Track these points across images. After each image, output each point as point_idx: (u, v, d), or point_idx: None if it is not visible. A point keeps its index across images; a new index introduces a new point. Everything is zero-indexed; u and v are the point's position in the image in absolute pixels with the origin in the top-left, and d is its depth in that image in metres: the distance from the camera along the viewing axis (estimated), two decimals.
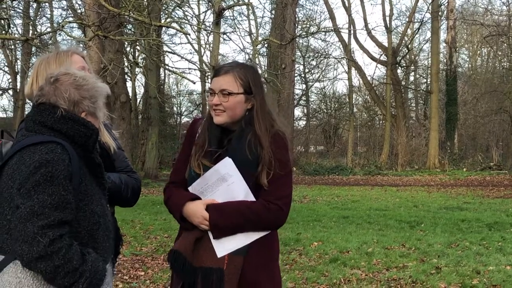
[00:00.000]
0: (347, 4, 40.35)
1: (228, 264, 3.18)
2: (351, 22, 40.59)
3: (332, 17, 40.22)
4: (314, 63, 49.04)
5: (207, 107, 3.47)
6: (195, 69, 32.55)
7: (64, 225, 2.62)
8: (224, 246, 3.20)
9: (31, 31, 21.79)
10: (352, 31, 40.08)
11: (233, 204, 3.23)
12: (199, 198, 3.28)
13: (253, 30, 37.95)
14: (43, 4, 25.28)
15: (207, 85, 3.09)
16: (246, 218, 3.20)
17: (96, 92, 2.91)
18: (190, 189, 3.30)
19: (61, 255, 2.56)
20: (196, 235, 3.24)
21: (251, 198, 3.25)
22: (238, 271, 3.19)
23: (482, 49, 46.57)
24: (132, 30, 23.34)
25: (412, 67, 46.02)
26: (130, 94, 33.12)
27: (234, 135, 3.30)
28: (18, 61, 33.75)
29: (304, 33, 35.89)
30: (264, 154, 3.25)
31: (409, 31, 42.04)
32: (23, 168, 2.63)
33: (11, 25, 12.84)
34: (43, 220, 2.55)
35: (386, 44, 39.85)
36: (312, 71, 49.73)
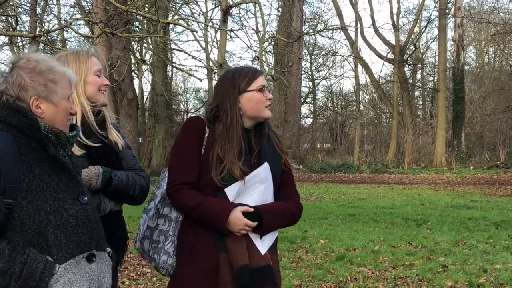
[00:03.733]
0: (354, 2, 40.31)
1: (271, 260, 3.35)
2: (358, 19, 40.56)
3: (339, 15, 40.20)
4: (321, 60, 49.06)
5: (250, 106, 3.44)
6: (202, 67, 32.56)
7: None
8: (264, 244, 3.35)
9: (38, 29, 21.82)
10: (359, 29, 40.07)
11: (277, 206, 3.43)
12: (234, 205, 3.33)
13: (260, 28, 37.96)
14: (50, 1, 25.34)
15: (251, 83, 3.04)
16: (287, 219, 3.49)
17: (50, 75, 2.74)
18: (227, 190, 3.31)
19: None
20: (244, 241, 3.30)
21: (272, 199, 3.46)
22: (278, 266, 3.44)
23: (489, 47, 46.44)
24: (139, 27, 23.38)
25: (419, 65, 45.95)
26: (137, 91, 33.18)
27: (263, 138, 3.46)
28: None
29: (311, 31, 35.88)
30: (285, 150, 3.58)
31: (416, 29, 41.98)
32: None
33: (19, 22, 12.86)
34: None
35: (393, 42, 39.78)
36: (319, 68, 49.74)
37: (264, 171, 3.35)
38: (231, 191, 3.30)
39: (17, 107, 2.68)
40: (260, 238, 3.34)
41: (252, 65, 20.79)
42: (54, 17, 28.89)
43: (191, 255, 3.32)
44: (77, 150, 3.21)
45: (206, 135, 3.39)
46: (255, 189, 3.34)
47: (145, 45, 29.08)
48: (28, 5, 21.61)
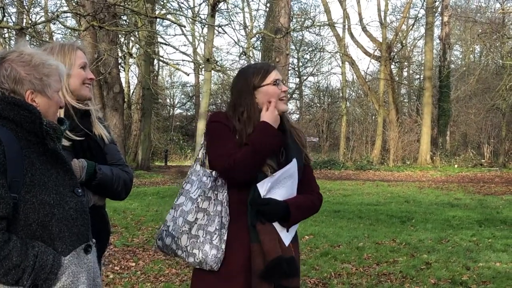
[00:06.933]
0: None
1: (294, 251, 3.44)
2: (346, 16, 40.61)
3: (327, 11, 40.21)
4: (308, 57, 49.11)
5: (262, 101, 3.49)
6: (189, 61, 32.52)
7: None
8: (288, 235, 3.44)
9: (25, 20, 21.69)
10: (346, 26, 40.13)
11: (303, 199, 3.52)
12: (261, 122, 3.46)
13: (248, 23, 37.96)
14: None
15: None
16: (310, 210, 3.61)
17: (45, 69, 2.75)
18: (259, 185, 3.36)
19: None
20: (276, 233, 3.39)
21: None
22: (299, 254, 3.55)
23: (476, 46, 46.66)
24: (126, 20, 23.31)
25: (405, 63, 46.09)
26: (124, 84, 33.07)
27: (286, 134, 3.52)
28: None
29: (298, 27, 35.91)
30: (305, 144, 3.70)
31: (403, 27, 42.11)
32: None
33: (5, 14, 12.78)
34: None
35: (380, 40, 39.89)
36: (306, 65, 49.80)
37: (292, 167, 3.43)
38: (263, 186, 3.37)
39: (16, 101, 2.67)
40: (287, 231, 3.43)
41: (239, 60, 20.76)
42: (41, 9, 28.74)
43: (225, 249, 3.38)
44: (64, 141, 3.21)
45: (236, 127, 3.46)
46: (284, 184, 3.42)
47: (132, 38, 28.98)
48: None
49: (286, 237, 3.41)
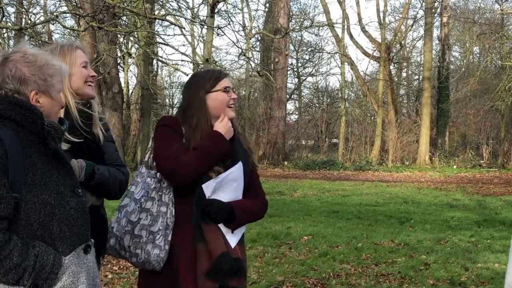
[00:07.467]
0: None
1: (241, 253, 3.50)
2: (345, 17, 40.62)
3: (326, 11, 40.20)
4: (307, 57, 49.07)
5: (212, 107, 3.60)
6: (188, 61, 32.55)
7: None
8: (234, 237, 3.51)
9: (24, 20, 21.66)
10: (345, 26, 40.12)
11: (248, 203, 3.59)
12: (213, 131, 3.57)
13: (247, 23, 37.93)
14: None
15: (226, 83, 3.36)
16: (256, 214, 3.65)
17: (49, 69, 2.77)
18: (204, 186, 3.44)
19: None
20: (221, 232, 3.45)
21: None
22: (245, 257, 3.59)
23: (474, 47, 46.67)
24: (126, 21, 23.32)
25: (404, 64, 46.07)
26: (123, 84, 33.04)
27: (234, 138, 3.61)
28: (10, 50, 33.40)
29: (297, 27, 35.90)
30: (251, 151, 3.78)
31: (402, 28, 42.09)
32: None
33: (4, 14, 12.79)
34: None
35: (379, 40, 39.87)
36: (305, 65, 49.76)
37: (237, 170, 3.52)
38: (208, 187, 3.44)
39: (19, 101, 2.68)
40: (232, 232, 3.49)
41: (238, 60, 20.79)
42: (40, 9, 28.69)
43: (169, 250, 3.42)
44: (64, 145, 3.22)
45: (184, 132, 3.54)
46: (229, 186, 3.50)
47: (131, 38, 28.98)
48: None
49: (232, 239, 3.48)
